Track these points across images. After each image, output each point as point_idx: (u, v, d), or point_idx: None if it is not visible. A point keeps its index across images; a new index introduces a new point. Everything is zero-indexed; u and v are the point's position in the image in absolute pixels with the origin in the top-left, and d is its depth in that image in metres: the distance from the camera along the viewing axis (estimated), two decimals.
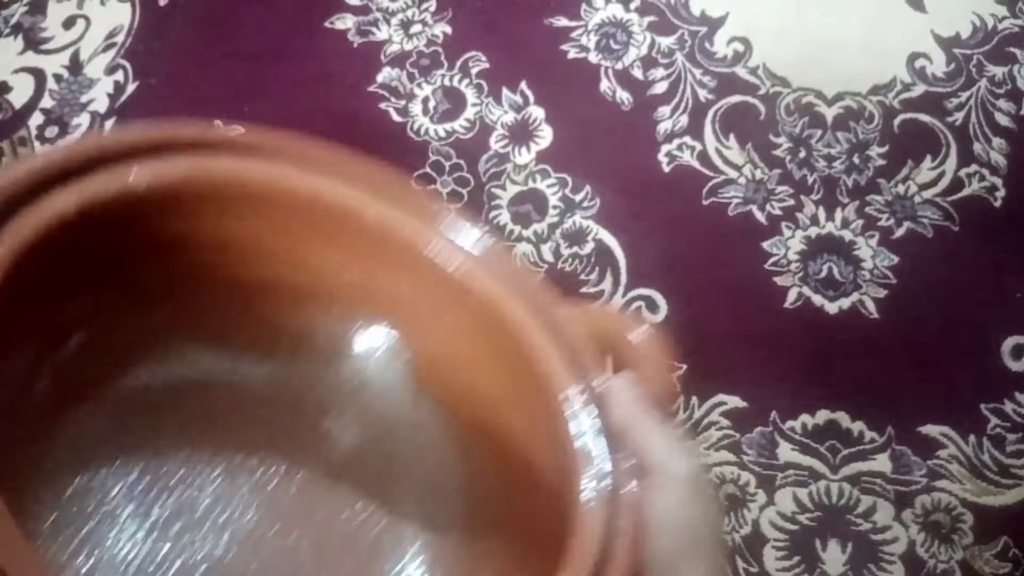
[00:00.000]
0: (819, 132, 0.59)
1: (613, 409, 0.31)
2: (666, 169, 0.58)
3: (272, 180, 0.32)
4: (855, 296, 0.53)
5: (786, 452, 0.48)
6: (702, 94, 0.60)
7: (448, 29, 0.65)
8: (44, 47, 0.66)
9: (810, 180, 0.57)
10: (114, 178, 0.29)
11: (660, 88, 0.61)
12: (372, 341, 0.36)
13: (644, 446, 0.30)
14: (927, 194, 0.57)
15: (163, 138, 0.32)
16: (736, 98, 0.60)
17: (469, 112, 0.60)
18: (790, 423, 0.49)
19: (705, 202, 0.57)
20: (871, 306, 0.53)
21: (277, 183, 0.32)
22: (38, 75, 0.64)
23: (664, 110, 0.60)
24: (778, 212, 0.56)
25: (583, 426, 0.30)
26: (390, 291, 0.35)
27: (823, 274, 0.54)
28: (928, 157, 0.58)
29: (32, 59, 0.65)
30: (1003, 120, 0.59)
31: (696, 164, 0.58)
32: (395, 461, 0.35)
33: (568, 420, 0.29)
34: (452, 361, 0.36)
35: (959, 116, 0.59)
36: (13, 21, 0.67)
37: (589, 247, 0.56)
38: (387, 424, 0.36)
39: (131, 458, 0.33)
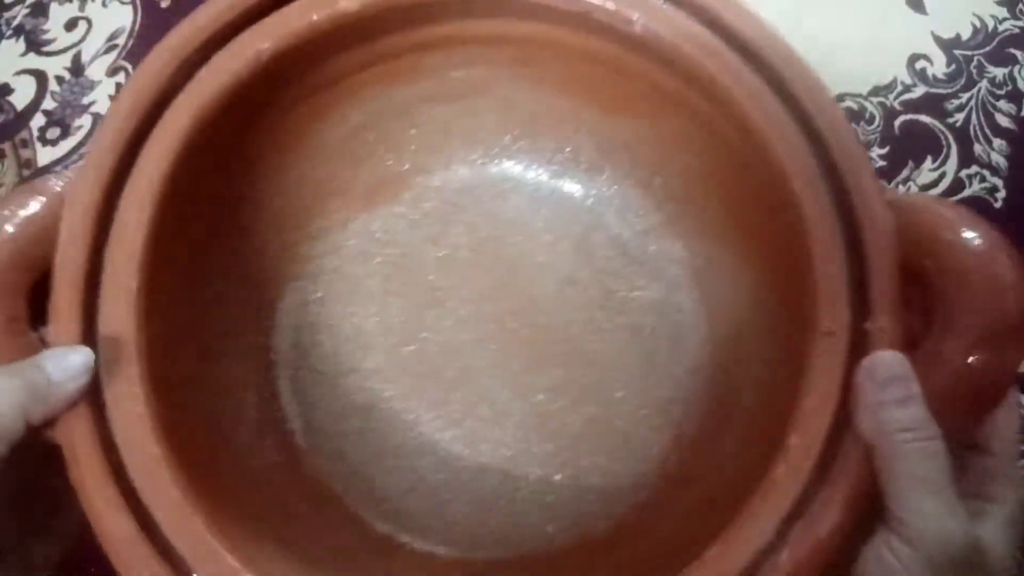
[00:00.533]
0: None
1: (860, 407, 0.25)
2: None
3: None
4: None
5: None
6: None
7: None
8: (46, 49, 0.66)
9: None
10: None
11: None
12: None
13: (895, 485, 0.24)
14: (928, 195, 0.56)
15: None
16: None
17: None
18: None
19: None
20: None
21: None
22: (40, 77, 0.65)
23: None
24: None
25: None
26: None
27: None
28: (929, 158, 0.58)
29: (34, 61, 0.66)
30: (1004, 121, 0.59)
31: None
32: None
33: (812, 363, 0.25)
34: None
35: (959, 117, 0.59)
36: (15, 23, 0.67)
37: None
38: None
39: None
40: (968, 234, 0.26)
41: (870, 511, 0.25)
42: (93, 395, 0.26)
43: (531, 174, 0.39)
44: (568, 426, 0.36)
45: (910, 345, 0.26)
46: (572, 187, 0.39)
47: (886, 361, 0.25)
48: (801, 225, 0.27)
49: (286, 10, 0.30)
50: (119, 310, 0.26)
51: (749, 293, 0.35)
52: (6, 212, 0.27)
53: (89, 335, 0.27)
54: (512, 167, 0.39)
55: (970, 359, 0.24)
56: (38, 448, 0.26)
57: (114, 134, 0.28)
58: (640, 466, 0.35)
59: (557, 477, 0.35)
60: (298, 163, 0.37)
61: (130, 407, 0.26)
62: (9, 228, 0.26)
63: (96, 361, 0.26)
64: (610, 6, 0.30)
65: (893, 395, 0.24)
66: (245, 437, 0.34)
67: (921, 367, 0.25)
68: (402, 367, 0.36)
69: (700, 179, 0.37)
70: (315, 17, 0.30)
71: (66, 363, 0.26)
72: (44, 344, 0.27)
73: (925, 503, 0.23)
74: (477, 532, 0.34)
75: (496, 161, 0.39)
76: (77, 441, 0.26)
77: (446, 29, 0.34)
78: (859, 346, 0.25)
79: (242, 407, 0.34)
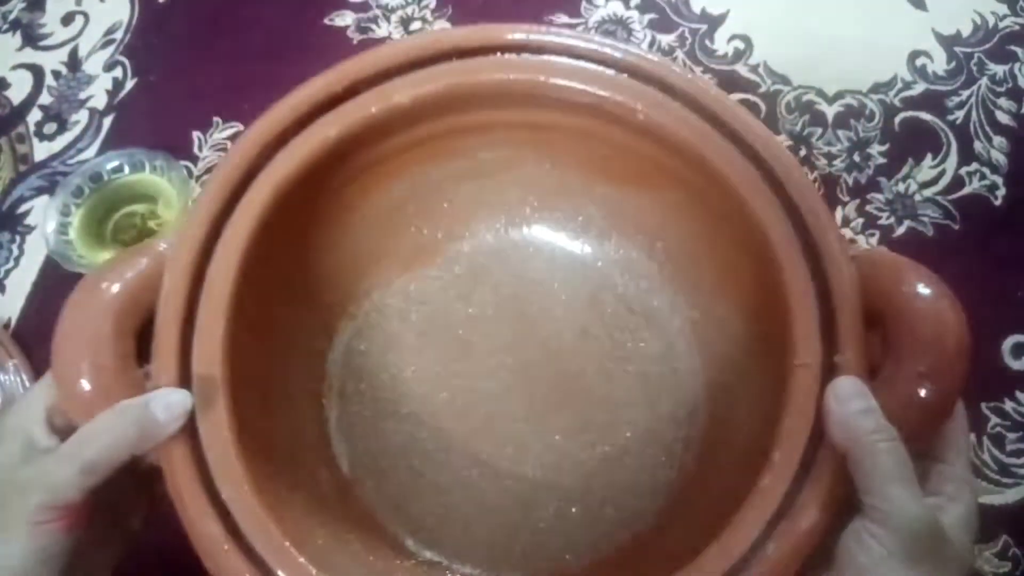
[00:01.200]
0: (820, 130, 0.59)
1: (830, 422, 0.29)
2: None
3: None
4: None
5: None
6: None
7: (447, 26, 0.64)
8: (43, 43, 0.66)
9: (811, 178, 0.57)
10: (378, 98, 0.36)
11: None
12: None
13: (866, 480, 0.28)
14: (927, 192, 0.56)
15: (419, 52, 0.37)
16: (737, 96, 0.60)
17: None
18: None
19: None
20: None
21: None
22: (36, 71, 0.64)
23: None
24: None
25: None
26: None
27: None
28: (929, 155, 0.58)
29: (30, 55, 0.65)
30: (1004, 118, 0.59)
31: None
32: None
33: (791, 391, 0.31)
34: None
35: (960, 115, 0.59)
36: (12, 17, 0.67)
37: None
38: None
39: None
40: (920, 286, 0.31)
41: (842, 509, 0.30)
42: (189, 423, 0.31)
43: (548, 240, 0.45)
44: (583, 463, 0.40)
45: (870, 375, 0.31)
46: (584, 251, 0.45)
47: (847, 384, 0.30)
48: (780, 278, 0.32)
49: (349, 104, 0.36)
50: (210, 351, 0.32)
51: (737, 338, 0.40)
52: (121, 268, 0.33)
53: (184, 370, 0.32)
54: (532, 234, 0.45)
55: (919, 388, 0.30)
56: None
57: (207, 205, 0.34)
58: (648, 497, 0.38)
59: (573, 510, 0.39)
60: (349, 232, 0.43)
61: (219, 433, 0.31)
62: (124, 281, 0.32)
63: (192, 401, 0.31)
64: (618, 99, 0.36)
65: (856, 407, 0.29)
66: (306, 466, 0.39)
67: (878, 393, 0.30)
68: (434, 412, 0.41)
69: (695, 243, 0.42)
70: (373, 110, 0.36)
71: (169, 405, 0.31)
72: (148, 377, 0.32)
73: (894, 490, 0.28)
74: (502, 556, 0.38)
75: (518, 229, 0.45)
76: (176, 461, 0.31)
77: (478, 117, 0.40)
78: (829, 375, 0.31)
79: (302, 441, 0.40)
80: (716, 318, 0.41)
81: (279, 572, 0.29)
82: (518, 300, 0.44)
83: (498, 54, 0.37)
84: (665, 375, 0.42)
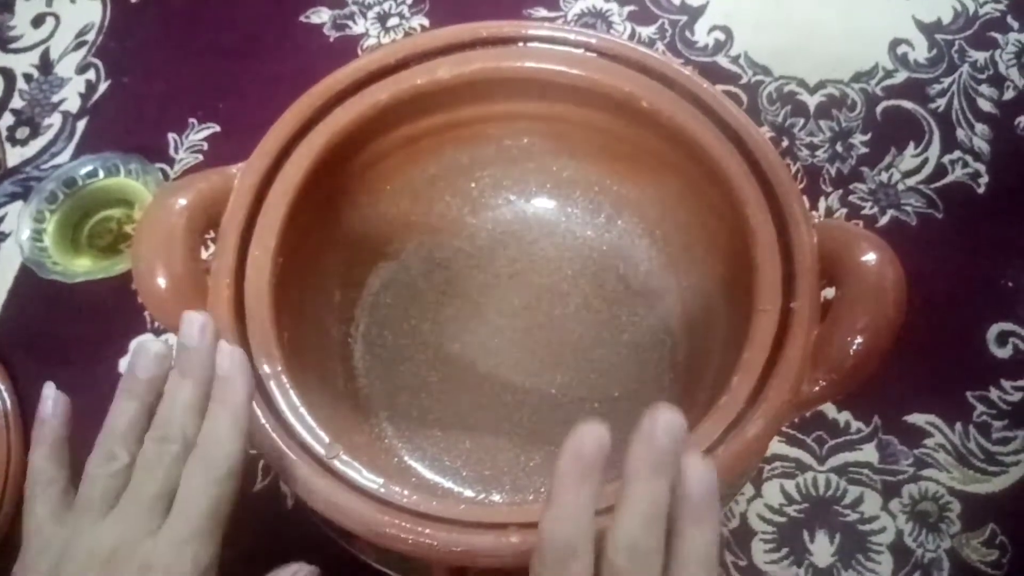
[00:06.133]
0: (802, 121, 0.59)
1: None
2: None
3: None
4: None
5: (773, 444, 0.48)
6: None
7: (425, 22, 0.64)
8: (12, 46, 0.65)
9: (794, 169, 0.57)
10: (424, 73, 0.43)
11: None
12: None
13: None
14: (910, 181, 0.56)
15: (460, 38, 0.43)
16: (718, 87, 0.59)
17: None
18: None
19: None
20: None
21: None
22: (7, 75, 0.63)
23: None
24: None
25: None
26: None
27: None
28: (911, 144, 0.57)
29: (1, 58, 0.64)
30: (985, 106, 0.59)
31: None
32: None
33: (752, 331, 0.36)
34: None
35: (941, 103, 0.59)
36: None
37: None
38: None
39: None
40: (869, 252, 0.36)
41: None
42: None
43: (561, 222, 0.50)
44: (575, 416, 0.43)
45: (818, 321, 0.36)
46: (591, 234, 0.50)
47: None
48: (752, 242, 0.38)
49: (400, 74, 0.43)
50: (262, 258, 0.38)
51: (718, 306, 0.44)
52: (194, 181, 0.39)
53: (239, 270, 0.38)
54: (547, 216, 0.50)
55: (856, 338, 0.34)
56: None
57: (273, 142, 0.41)
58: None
59: None
60: (385, 198, 0.48)
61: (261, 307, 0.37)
62: (197, 191, 0.38)
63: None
64: (625, 88, 0.42)
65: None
66: (337, 389, 0.45)
67: (819, 340, 0.35)
68: (446, 360, 0.47)
69: (690, 230, 0.47)
70: (419, 81, 0.43)
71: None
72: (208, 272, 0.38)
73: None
74: (494, 487, 0.44)
75: (535, 211, 0.50)
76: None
77: (505, 107, 0.46)
78: (786, 319, 0.36)
79: (333, 368, 0.46)
80: (703, 294, 0.46)
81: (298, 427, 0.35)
82: (529, 273, 0.49)
83: (521, 44, 0.44)
84: (655, 345, 0.47)
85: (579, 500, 0.26)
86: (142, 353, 0.31)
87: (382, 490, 0.33)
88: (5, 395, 0.50)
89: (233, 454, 0.30)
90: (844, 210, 0.55)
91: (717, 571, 0.27)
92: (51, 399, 0.33)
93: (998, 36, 0.61)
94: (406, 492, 0.33)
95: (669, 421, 0.26)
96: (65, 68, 0.63)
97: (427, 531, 0.32)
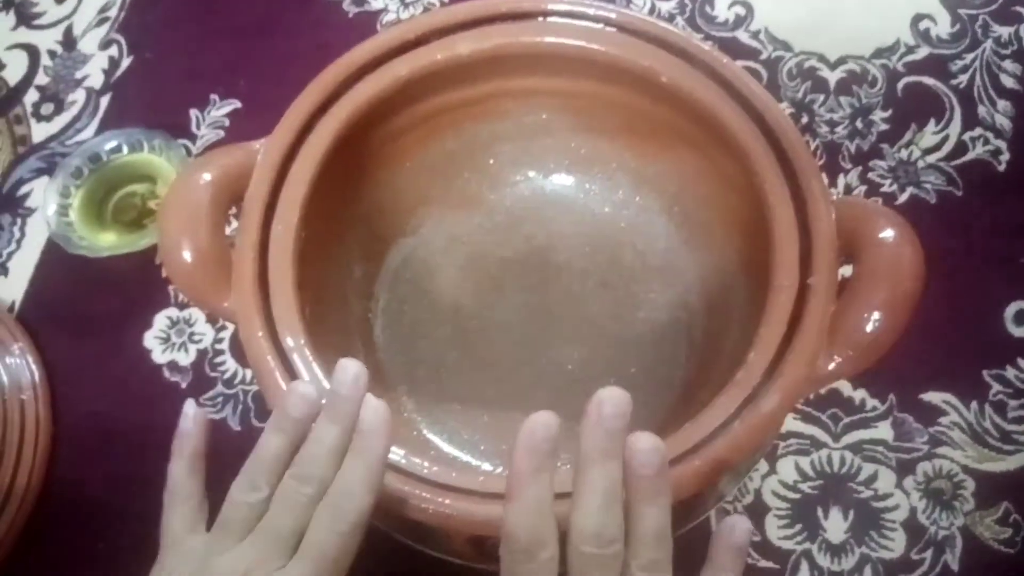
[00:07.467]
0: (822, 97, 0.58)
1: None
2: None
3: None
4: None
5: (788, 421, 0.48)
6: None
7: None
8: (36, 22, 0.65)
9: (813, 146, 0.56)
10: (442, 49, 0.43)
11: None
12: None
13: None
14: (930, 159, 0.56)
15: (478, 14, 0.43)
16: (738, 63, 0.59)
17: None
18: None
19: None
20: None
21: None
22: (32, 51, 0.64)
23: None
24: None
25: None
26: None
27: None
28: (932, 121, 0.57)
29: (25, 35, 0.65)
30: (1008, 82, 0.58)
31: None
32: None
33: (769, 307, 0.36)
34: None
35: (963, 79, 0.58)
36: None
37: None
38: None
39: None
40: (886, 228, 0.36)
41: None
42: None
43: (579, 199, 0.50)
44: (592, 391, 0.47)
45: (835, 297, 0.36)
46: (609, 210, 0.50)
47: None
48: (771, 219, 0.38)
49: (419, 50, 0.43)
50: (284, 234, 0.38)
51: (736, 285, 0.44)
52: (219, 157, 0.40)
53: (263, 244, 0.38)
54: (564, 193, 0.50)
55: (871, 315, 0.34)
56: None
57: (295, 118, 0.41)
58: (644, 424, 0.41)
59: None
60: (404, 174, 0.49)
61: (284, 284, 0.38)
62: (221, 166, 0.39)
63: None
64: (645, 63, 0.42)
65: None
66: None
67: (836, 316, 0.35)
68: (464, 335, 0.47)
69: (708, 206, 0.46)
70: (439, 56, 0.42)
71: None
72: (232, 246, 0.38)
73: None
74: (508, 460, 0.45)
75: (553, 188, 0.51)
76: (249, 316, 0.37)
77: (523, 83, 0.46)
78: (803, 295, 0.36)
79: (354, 343, 0.46)
80: (720, 270, 0.46)
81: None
82: (547, 250, 0.49)
83: (540, 19, 0.43)
84: (672, 321, 0.47)
85: (539, 492, 0.28)
86: (296, 394, 0.32)
87: (403, 461, 0.34)
88: (33, 367, 0.51)
89: (362, 508, 0.30)
90: (863, 187, 0.55)
91: (670, 544, 0.28)
92: (191, 415, 0.33)
93: (1023, 10, 0.60)
94: (426, 463, 0.34)
95: (614, 402, 0.28)
96: (88, 44, 0.64)
97: (447, 501, 0.33)
